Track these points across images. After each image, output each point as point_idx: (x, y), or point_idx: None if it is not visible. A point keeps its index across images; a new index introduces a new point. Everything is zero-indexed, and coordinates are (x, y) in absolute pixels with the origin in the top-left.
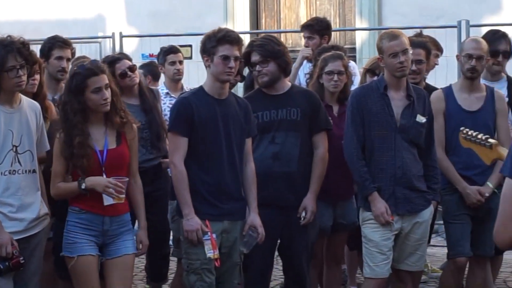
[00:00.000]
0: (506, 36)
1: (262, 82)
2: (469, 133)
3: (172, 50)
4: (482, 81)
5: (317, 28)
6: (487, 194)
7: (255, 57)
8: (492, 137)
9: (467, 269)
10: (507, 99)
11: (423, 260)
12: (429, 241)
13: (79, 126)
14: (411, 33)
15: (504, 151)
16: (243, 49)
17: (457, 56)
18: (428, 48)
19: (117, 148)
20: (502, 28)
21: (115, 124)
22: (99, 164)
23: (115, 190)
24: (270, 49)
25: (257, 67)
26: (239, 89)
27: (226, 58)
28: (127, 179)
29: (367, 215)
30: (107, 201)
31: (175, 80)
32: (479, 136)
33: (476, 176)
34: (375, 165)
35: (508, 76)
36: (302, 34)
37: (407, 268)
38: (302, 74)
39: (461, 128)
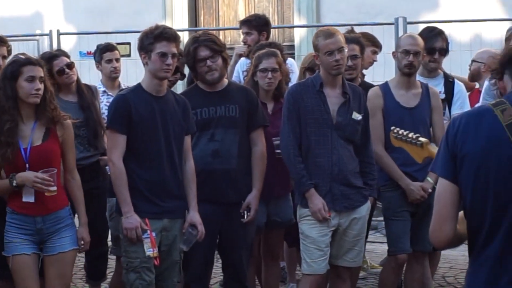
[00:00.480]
0: (443, 34)
1: (213, 78)
2: (400, 132)
3: (108, 48)
4: (419, 78)
5: (255, 24)
6: (430, 190)
7: (204, 52)
8: (429, 133)
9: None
10: (443, 96)
11: (361, 256)
12: (367, 237)
13: (10, 111)
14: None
15: (435, 149)
16: (182, 46)
17: (393, 53)
18: (361, 43)
19: (43, 144)
20: (439, 25)
21: (44, 119)
22: (23, 162)
23: (43, 184)
24: (219, 43)
25: (208, 62)
26: (178, 87)
27: (163, 55)
28: (55, 170)
29: (304, 212)
30: (26, 198)
31: (112, 78)
32: (410, 135)
33: (416, 172)
34: (312, 162)
35: (444, 73)
36: (240, 30)
37: (345, 264)
38: (241, 71)
39: (392, 128)
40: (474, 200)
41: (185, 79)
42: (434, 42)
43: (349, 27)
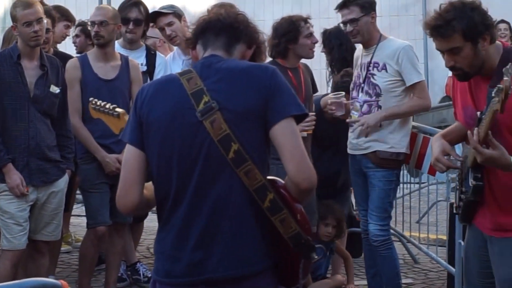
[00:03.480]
0: (140, 4)
1: None
2: (98, 103)
3: None
4: (121, 50)
5: None
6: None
7: None
8: (128, 106)
9: None
10: (145, 68)
11: (60, 229)
12: (71, 211)
13: None
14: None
15: None
16: None
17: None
18: (53, 16)
19: None
20: None
21: None
22: None
23: None
24: None
25: None
26: None
27: None
28: None
29: (1, 187)
30: None
31: None
32: (107, 106)
33: (114, 144)
34: (9, 136)
35: (147, 45)
36: None
37: (44, 238)
38: None
39: (90, 99)
40: (160, 167)
41: None
42: (128, 12)
43: None
